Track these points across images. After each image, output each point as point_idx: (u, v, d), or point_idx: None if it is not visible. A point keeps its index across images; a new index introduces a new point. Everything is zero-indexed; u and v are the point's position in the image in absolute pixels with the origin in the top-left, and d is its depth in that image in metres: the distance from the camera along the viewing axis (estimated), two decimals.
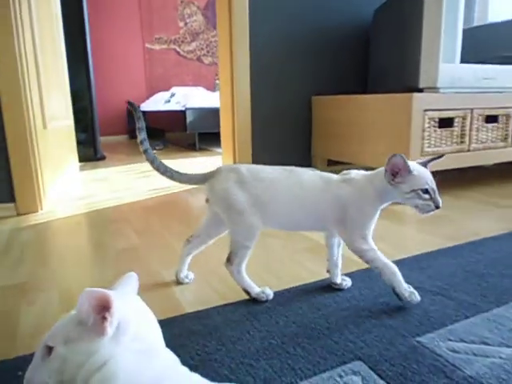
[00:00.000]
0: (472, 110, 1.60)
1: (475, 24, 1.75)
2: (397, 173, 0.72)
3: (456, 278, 0.86)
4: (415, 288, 0.76)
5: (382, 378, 0.56)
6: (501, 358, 0.60)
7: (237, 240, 0.78)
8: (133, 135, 4.64)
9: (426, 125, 1.49)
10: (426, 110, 1.48)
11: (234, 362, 0.60)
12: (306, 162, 2.01)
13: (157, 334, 0.47)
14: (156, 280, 0.91)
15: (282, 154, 1.98)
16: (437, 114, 1.52)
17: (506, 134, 1.72)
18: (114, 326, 0.42)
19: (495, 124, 1.68)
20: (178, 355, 0.46)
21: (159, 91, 4.80)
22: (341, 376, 0.57)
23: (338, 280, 0.84)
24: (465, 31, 1.64)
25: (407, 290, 0.74)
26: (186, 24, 5.21)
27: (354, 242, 0.75)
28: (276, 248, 1.10)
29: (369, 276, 0.88)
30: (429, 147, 1.52)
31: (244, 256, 0.79)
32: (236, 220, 0.77)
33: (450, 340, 0.64)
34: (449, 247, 1.03)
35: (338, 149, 1.85)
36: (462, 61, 1.57)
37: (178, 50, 5.17)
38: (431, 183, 0.72)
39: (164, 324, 0.49)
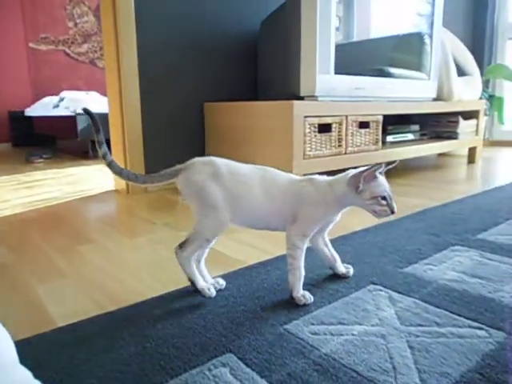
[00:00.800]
0: (347, 116, 1.77)
1: (355, 39, 1.94)
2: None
3: (325, 269, 0.94)
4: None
5: (248, 365, 0.60)
6: (353, 334, 0.68)
7: (202, 232, 0.77)
8: (16, 142, 4.22)
9: (307, 130, 1.61)
10: (306, 117, 1.60)
11: (103, 371, 0.59)
12: None
13: (6, 350, 0.45)
14: (27, 296, 0.85)
15: (175, 160, 1.97)
16: (316, 120, 1.65)
17: (377, 138, 1.94)
18: None
19: (367, 129, 1.88)
20: (43, 370, 0.45)
21: (47, 95, 4.45)
22: (210, 370, 0.59)
23: (343, 269, 0.90)
24: (344, 45, 1.81)
25: (302, 294, 0.79)
26: (76, 24, 4.91)
27: (294, 236, 0.78)
28: (162, 252, 1.10)
29: (249, 274, 0.93)
30: (310, 151, 1.64)
31: (199, 248, 0.79)
32: (207, 213, 0.76)
33: (313, 324, 0.71)
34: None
35: (230, 153, 1.90)
36: (340, 72, 1.73)
37: (67, 51, 4.86)
38: (388, 190, 0.78)
39: (32, 340, 0.47)
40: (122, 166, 1.87)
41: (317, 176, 0.83)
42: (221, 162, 0.79)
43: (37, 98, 4.49)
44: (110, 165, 0.79)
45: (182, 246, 0.79)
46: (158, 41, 1.86)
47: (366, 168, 0.77)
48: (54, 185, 2.15)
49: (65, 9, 4.80)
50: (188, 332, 0.69)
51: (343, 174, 0.81)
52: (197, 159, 0.80)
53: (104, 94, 4.54)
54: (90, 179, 2.32)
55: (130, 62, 1.78)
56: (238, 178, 0.77)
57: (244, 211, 0.78)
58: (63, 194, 1.91)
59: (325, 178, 0.83)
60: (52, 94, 4.46)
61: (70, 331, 0.70)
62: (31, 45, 4.57)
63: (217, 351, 0.64)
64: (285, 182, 0.80)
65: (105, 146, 0.79)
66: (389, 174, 0.82)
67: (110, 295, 0.85)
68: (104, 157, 0.79)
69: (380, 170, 0.78)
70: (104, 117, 2.01)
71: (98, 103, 3.45)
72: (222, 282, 0.86)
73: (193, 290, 0.82)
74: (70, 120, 3.26)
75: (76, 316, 0.76)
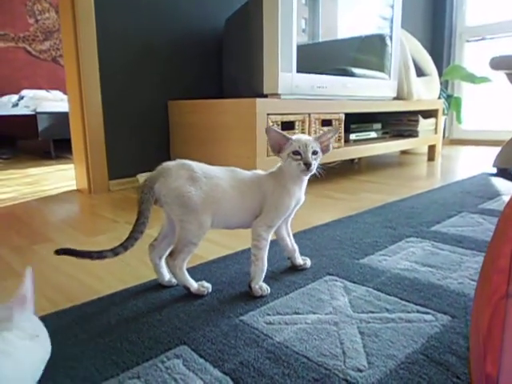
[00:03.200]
0: (309, 114, 1.80)
1: (320, 40, 1.97)
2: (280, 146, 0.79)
3: (285, 262, 0.96)
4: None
5: (201, 356, 0.60)
6: (306, 323, 0.69)
7: (186, 237, 0.76)
8: None
9: None
10: (269, 114, 1.62)
11: (54, 367, 0.58)
12: None
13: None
14: None
15: (140, 159, 1.95)
16: (279, 118, 1.67)
17: (340, 136, 1.98)
18: None
19: (330, 127, 1.92)
20: None
21: (6, 94, 4.29)
22: (163, 362, 0.59)
23: (300, 261, 0.92)
24: (310, 46, 1.84)
25: (259, 285, 0.80)
26: (37, 21, 4.76)
27: (259, 227, 0.79)
28: None
29: (208, 269, 0.93)
30: None
31: (189, 253, 0.78)
32: (189, 218, 0.75)
33: (268, 315, 0.72)
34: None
35: (195, 152, 1.90)
36: (304, 71, 1.76)
37: (28, 49, 4.69)
38: (304, 147, 0.77)
39: None
40: (84, 167, 1.82)
41: (277, 166, 0.84)
42: (194, 165, 0.78)
43: None
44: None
45: (171, 255, 0.78)
46: (120, 38, 1.83)
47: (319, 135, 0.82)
48: (12, 185, 2.08)
49: (25, 5, 4.64)
50: (143, 326, 0.69)
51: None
52: (169, 164, 0.78)
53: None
54: (50, 179, 2.25)
55: (91, 61, 1.74)
56: (213, 181, 0.77)
57: (221, 213, 0.79)
58: (21, 194, 1.85)
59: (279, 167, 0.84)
60: (11, 93, 4.30)
61: None
62: None
63: (171, 344, 0.64)
64: (251, 180, 0.82)
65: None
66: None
67: (66, 294, 0.83)
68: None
69: (274, 127, 0.81)
70: (66, 116, 1.97)
71: (59, 102, 3.35)
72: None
73: (188, 294, 0.80)
74: (31, 119, 3.15)
75: None
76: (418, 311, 0.73)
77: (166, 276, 0.84)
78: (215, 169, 0.81)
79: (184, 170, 0.76)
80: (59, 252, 0.70)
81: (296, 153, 0.77)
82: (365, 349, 0.62)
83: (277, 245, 1.07)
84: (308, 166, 0.76)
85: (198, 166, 0.78)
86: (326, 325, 0.68)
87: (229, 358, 0.60)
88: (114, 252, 0.73)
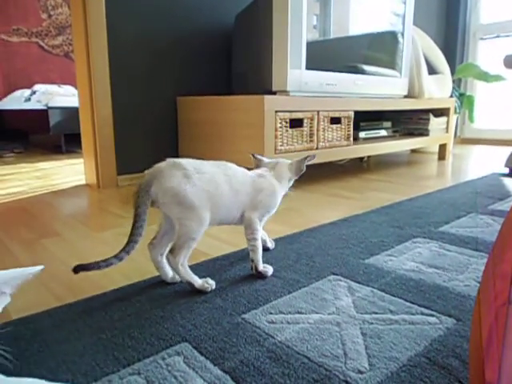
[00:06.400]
0: (318, 112, 1.79)
1: (331, 37, 1.95)
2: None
3: (289, 261, 0.95)
4: (251, 272, 0.86)
5: (202, 354, 0.60)
6: (309, 323, 0.69)
7: (186, 234, 0.78)
8: None
9: (278, 125, 1.62)
10: (277, 111, 1.61)
11: (55, 362, 0.59)
12: None
13: None
14: None
15: (149, 154, 1.96)
16: (287, 115, 1.66)
17: (348, 134, 1.96)
18: None
19: (339, 125, 1.90)
20: None
21: (19, 88, 4.34)
22: (164, 358, 0.60)
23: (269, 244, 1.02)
24: (320, 42, 1.83)
25: (264, 266, 0.87)
26: (50, 16, 4.79)
27: (253, 222, 0.86)
28: None
29: (212, 266, 0.93)
30: (282, 145, 1.66)
31: (189, 248, 0.79)
32: (188, 215, 0.77)
33: (271, 313, 0.72)
34: (288, 234, 1.14)
35: (203, 148, 1.90)
36: (315, 68, 1.75)
37: (41, 44, 4.74)
38: None
39: None
40: (93, 162, 1.84)
41: (263, 169, 0.94)
42: (185, 162, 0.80)
43: (8, 91, 4.37)
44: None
45: (172, 252, 0.79)
46: (130, 34, 1.83)
47: (303, 158, 0.95)
48: (23, 179, 2.10)
49: (38, 0, 4.68)
50: (145, 322, 0.69)
51: (272, 163, 0.96)
52: (161, 165, 0.79)
53: None
54: (60, 174, 2.28)
55: (101, 55, 1.75)
56: (205, 176, 0.79)
57: (216, 208, 0.81)
58: (31, 188, 1.87)
59: (267, 170, 0.94)
60: (24, 88, 4.35)
61: (24, 324, 0.69)
62: (3, 36, 4.44)
63: (172, 341, 0.64)
64: (243, 176, 0.87)
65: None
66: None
67: (71, 288, 0.84)
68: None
69: (309, 159, 0.95)
70: (77, 111, 1.99)
71: (71, 97, 3.38)
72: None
73: (191, 290, 0.80)
74: (42, 114, 3.18)
75: (33, 309, 0.75)
76: (422, 313, 0.72)
77: (169, 273, 0.84)
78: (206, 164, 0.82)
79: (176, 169, 0.77)
80: (77, 270, 0.73)
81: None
82: (366, 350, 0.61)
83: (281, 243, 1.07)
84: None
85: (189, 163, 0.80)
86: (328, 325, 0.68)
87: (229, 357, 0.60)
88: (118, 258, 0.75)
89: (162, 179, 0.76)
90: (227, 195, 0.82)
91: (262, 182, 0.88)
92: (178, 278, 0.84)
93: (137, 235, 0.75)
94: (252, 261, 0.87)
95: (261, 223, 0.89)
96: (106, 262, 0.74)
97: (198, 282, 0.80)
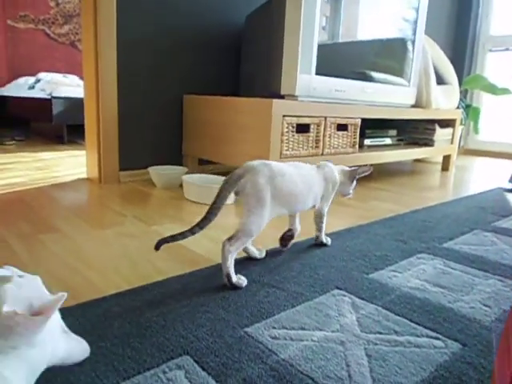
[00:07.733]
0: (326, 118, 1.77)
1: (340, 40, 1.93)
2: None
3: (292, 272, 0.94)
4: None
5: (204, 369, 0.59)
6: (312, 340, 0.68)
7: (250, 229, 0.85)
8: None
9: (285, 129, 1.61)
10: (284, 116, 1.59)
11: (52, 372, 0.57)
12: (176, 160, 2.00)
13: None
14: None
15: (152, 151, 1.94)
16: (295, 120, 1.64)
17: (354, 141, 1.95)
18: None
19: (345, 132, 1.89)
20: None
21: (23, 75, 4.31)
22: (164, 372, 0.58)
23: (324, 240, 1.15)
24: (329, 46, 1.80)
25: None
26: (57, 4, 4.76)
27: (324, 209, 1.08)
28: (129, 247, 1.07)
29: (216, 273, 0.92)
30: (287, 150, 1.64)
31: (244, 244, 0.86)
32: (258, 211, 0.85)
33: (274, 328, 0.71)
34: (291, 242, 1.12)
35: (208, 149, 1.88)
36: (322, 73, 1.73)
37: (47, 31, 4.70)
38: None
39: None
40: (96, 153, 1.82)
41: (327, 163, 1.09)
42: (273, 164, 0.90)
43: (13, 77, 4.34)
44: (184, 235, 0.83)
45: (230, 239, 0.85)
46: (139, 29, 1.81)
47: (357, 168, 1.13)
48: (23, 169, 2.08)
49: None
50: (146, 332, 0.68)
51: (335, 166, 1.11)
52: (254, 163, 0.88)
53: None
54: (62, 165, 2.26)
55: (109, 49, 1.73)
56: (286, 178, 0.90)
57: (292, 202, 0.94)
58: (31, 179, 1.85)
59: (331, 165, 1.10)
60: (28, 75, 4.32)
61: None
62: (9, 22, 4.41)
63: (173, 353, 0.62)
64: (312, 172, 1.01)
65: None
66: (364, 178, 0.85)
67: (69, 290, 0.83)
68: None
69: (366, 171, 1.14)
70: (83, 101, 1.96)
71: (75, 87, 3.35)
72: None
73: (229, 285, 0.84)
74: (46, 103, 3.15)
75: None
76: (427, 335, 0.71)
77: (255, 251, 1.00)
78: (285, 166, 0.93)
79: (266, 170, 0.87)
80: (158, 247, 0.82)
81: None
82: (371, 373, 0.60)
83: (284, 252, 1.05)
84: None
85: (276, 166, 0.90)
86: (332, 344, 0.67)
87: (232, 374, 0.58)
88: (192, 232, 0.82)
89: (254, 174, 0.86)
90: (303, 192, 0.95)
91: (324, 173, 1.05)
92: (264, 254, 1.01)
93: (212, 214, 0.82)
94: (317, 237, 1.13)
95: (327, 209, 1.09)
96: (182, 235, 0.81)
97: (234, 277, 0.85)
